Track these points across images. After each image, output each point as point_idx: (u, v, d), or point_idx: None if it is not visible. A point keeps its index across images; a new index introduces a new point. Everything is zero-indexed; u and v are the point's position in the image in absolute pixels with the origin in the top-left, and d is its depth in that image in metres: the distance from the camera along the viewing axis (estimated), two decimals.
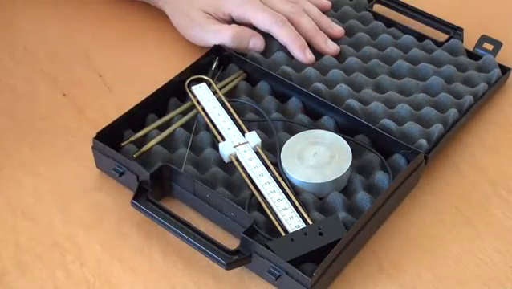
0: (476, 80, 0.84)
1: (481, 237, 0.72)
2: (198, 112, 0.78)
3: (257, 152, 0.74)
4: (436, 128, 0.77)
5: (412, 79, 0.83)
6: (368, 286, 0.68)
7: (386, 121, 0.77)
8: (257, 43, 0.86)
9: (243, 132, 0.76)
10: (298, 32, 0.86)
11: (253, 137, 0.75)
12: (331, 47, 0.86)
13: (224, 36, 0.85)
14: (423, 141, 0.75)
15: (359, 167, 0.75)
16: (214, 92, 0.80)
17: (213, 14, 0.87)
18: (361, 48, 0.88)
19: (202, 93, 0.79)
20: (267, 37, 0.87)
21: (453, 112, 0.79)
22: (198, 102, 0.79)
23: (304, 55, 0.84)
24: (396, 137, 0.76)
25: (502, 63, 0.86)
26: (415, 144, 0.75)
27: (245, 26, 0.86)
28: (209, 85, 0.81)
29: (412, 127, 0.77)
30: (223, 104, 0.78)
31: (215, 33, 0.85)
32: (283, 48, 0.86)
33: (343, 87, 0.81)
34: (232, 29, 0.86)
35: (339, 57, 0.87)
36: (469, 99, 0.81)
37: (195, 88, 0.80)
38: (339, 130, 0.78)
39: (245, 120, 0.78)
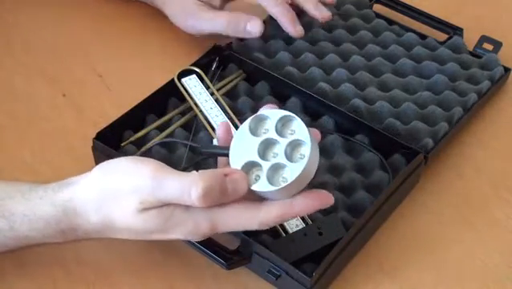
0: (479, 78, 0.84)
1: (482, 237, 0.72)
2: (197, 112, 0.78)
3: None
4: (442, 127, 0.77)
5: (416, 77, 0.83)
6: (368, 286, 0.68)
7: (391, 121, 0.77)
8: (254, 26, 0.84)
9: (236, 126, 0.75)
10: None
11: None
12: (322, 13, 0.86)
13: (219, 23, 0.84)
14: (429, 140, 0.75)
15: (359, 167, 0.75)
16: (207, 87, 0.79)
17: (205, 1, 0.86)
18: (364, 46, 0.88)
19: (193, 85, 0.79)
20: (270, 38, 0.87)
21: (457, 110, 0.79)
22: (189, 95, 0.78)
23: (294, 29, 0.84)
24: (402, 137, 0.76)
25: (503, 63, 0.86)
26: (421, 143, 0.75)
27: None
28: (201, 79, 0.80)
29: (417, 126, 0.77)
30: (216, 99, 0.78)
31: (210, 20, 0.84)
32: (287, 48, 0.86)
33: (347, 86, 0.81)
34: (227, 15, 0.85)
35: (343, 55, 0.86)
36: (473, 97, 0.81)
37: (185, 80, 0.79)
38: (339, 130, 0.78)
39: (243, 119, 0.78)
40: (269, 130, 0.59)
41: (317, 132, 0.61)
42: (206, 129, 0.76)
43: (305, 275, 0.62)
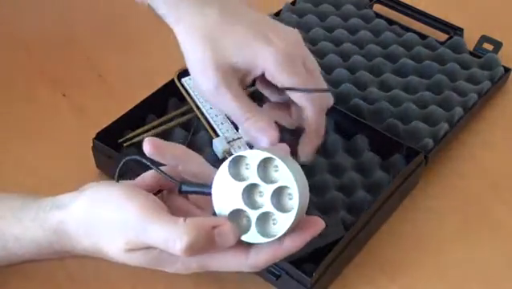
0: (480, 78, 0.84)
1: (482, 237, 0.72)
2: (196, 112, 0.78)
3: (251, 148, 0.73)
4: (442, 127, 0.77)
5: (417, 77, 0.83)
6: (368, 286, 0.68)
7: (392, 121, 0.77)
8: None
9: (236, 127, 0.75)
10: None
11: None
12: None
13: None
14: (429, 140, 0.75)
15: (359, 167, 0.75)
16: None
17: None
18: (364, 46, 0.88)
19: (193, 85, 0.79)
20: None
21: (458, 110, 0.79)
22: (189, 95, 0.78)
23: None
24: (402, 137, 0.76)
25: (503, 63, 0.86)
26: (421, 143, 0.75)
27: None
28: None
29: (418, 126, 0.77)
30: None
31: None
32: None
33: (347, 86, 0.81)
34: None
35: (343, 55, 0.86)
36: (473, 97, 0.81)
37: (185, 80, 0.79)
38: (339, 130, 0.78)
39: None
40: (250, 167, 0.54)
41: (285, 147, 0.59)
42: (205, 129, 0.76)
43: (305, 275, 0.62)
